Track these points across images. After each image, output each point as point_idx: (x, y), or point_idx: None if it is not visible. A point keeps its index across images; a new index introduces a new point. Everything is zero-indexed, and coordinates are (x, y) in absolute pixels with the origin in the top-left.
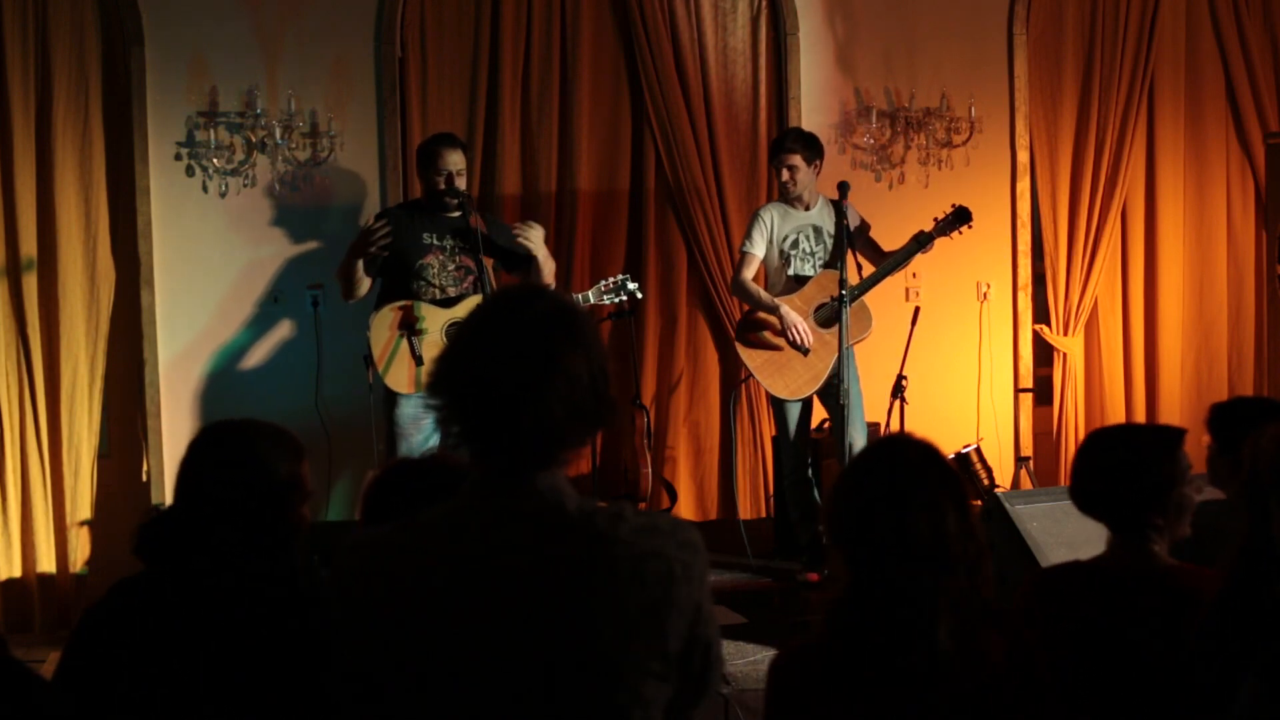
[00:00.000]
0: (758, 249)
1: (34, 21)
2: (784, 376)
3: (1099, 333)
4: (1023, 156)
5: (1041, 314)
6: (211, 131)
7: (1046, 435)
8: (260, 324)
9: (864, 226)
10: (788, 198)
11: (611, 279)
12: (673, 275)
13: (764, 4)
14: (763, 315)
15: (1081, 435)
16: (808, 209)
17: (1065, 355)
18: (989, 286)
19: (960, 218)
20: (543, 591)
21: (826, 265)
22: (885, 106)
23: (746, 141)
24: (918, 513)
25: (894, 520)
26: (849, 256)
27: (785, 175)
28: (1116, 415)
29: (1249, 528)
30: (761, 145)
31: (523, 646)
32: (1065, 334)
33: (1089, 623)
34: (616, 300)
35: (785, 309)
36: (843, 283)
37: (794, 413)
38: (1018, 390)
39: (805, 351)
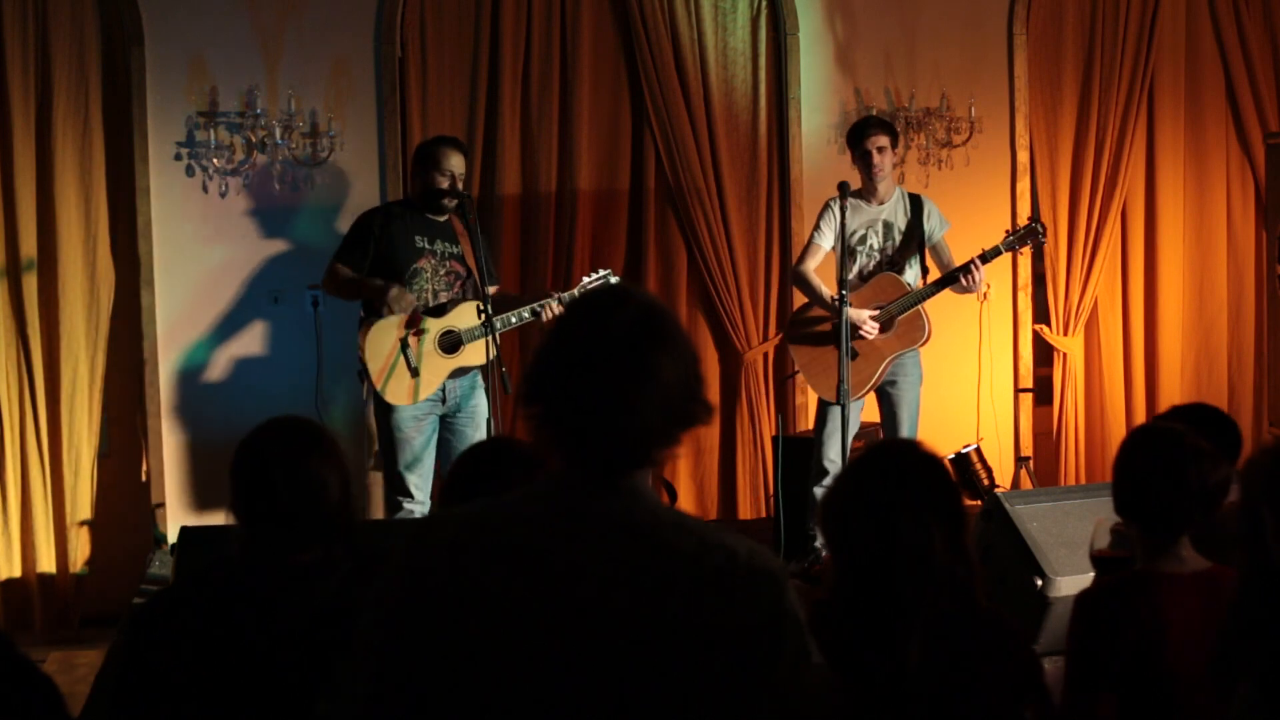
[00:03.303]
0: (825, 240)
1: (34, 21)
2: (831, 377)
3: (1099, 333)
4: (1023, 156)
5: (1041, 314)
6: (211, 131)
7: (1046, 435)
8: (260, 324)
9: (940, 228)
10: (861, 190)
11: (594, 274)
12: (673, 275)
13: (764, 4)
14: (818, 311)
15: (1082, 435)
16: (880, 203)
17: (1065, 355)
18: (989, 286)
19: (1031, 234)
20: (592, 590)
21: (891, 265)
22: (885, 106)
23: (746, 141)
24: (903, 524)
25: (879, 529)
26: (916, 259)
27: (876, 158)
28: (1116, 415)
29: (1246, 540)
30: (761, 145)
31: (566, 643)
32: (1065, 334)
33: (1141, 636)
34: None
35: (850, 309)
36: (842, 283)
37: (836, 413)
38: (1018, 390)
39: (854, 355)
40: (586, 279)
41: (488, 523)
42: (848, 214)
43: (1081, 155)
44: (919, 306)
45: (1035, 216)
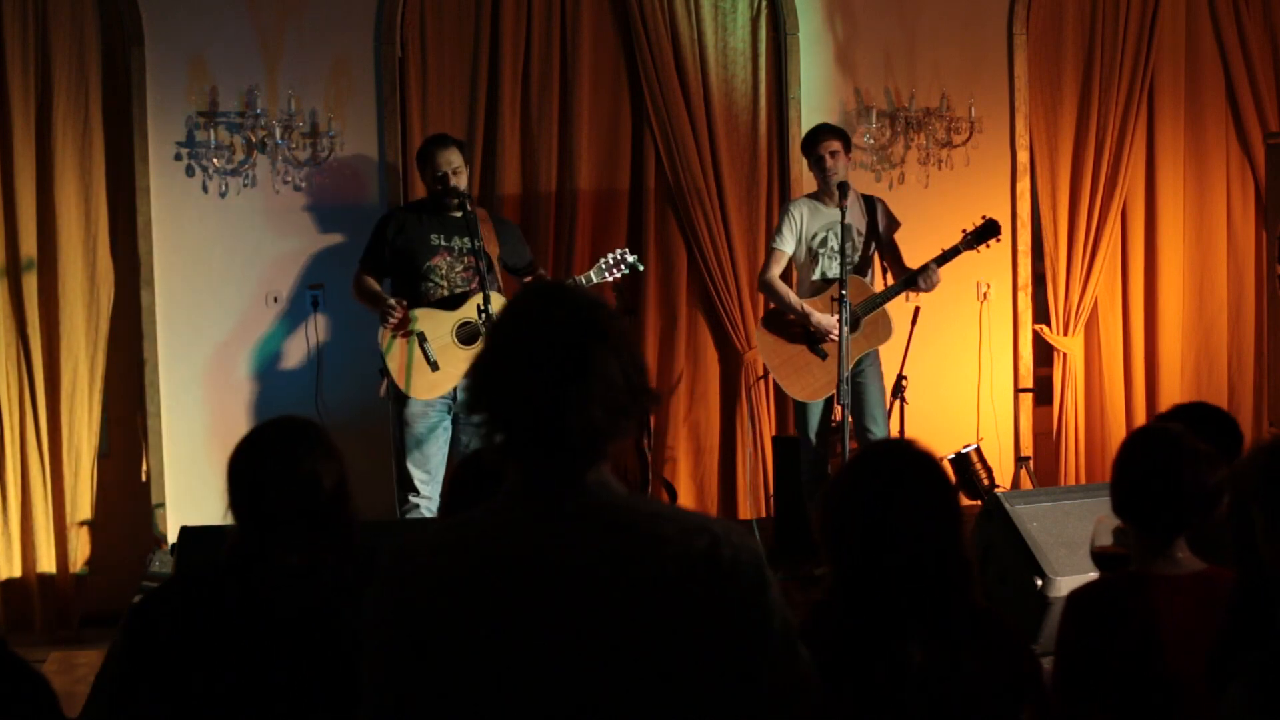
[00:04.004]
0: (787, 245)
1: (34, 21)
2: (802, 378)
3: (1099, 333)
4: (1023, 156)
5: (1041, 314)
6: (211, 131)
7: (1046, 435)
8: (260, 324)
9: (892, 228)
10: (819, 193)
11: (611, 254)
12: (673, 275)
13: (764, 4)
14: (790, 317)
15: (1082, 435)
16: (838, 205)
17: (1065, 355)
18: (989, 286)
19: (989, 231)
20: (586, 588)
21: (855, 268)
22: (885, 106)
23: (746, 141)
24: (900, 524)
25: (875, 531)
26: (875, 260)
27: (829, 161)
28: (1116, 415)
29: (1237, 538)
30: (761, 145)
31: (566, 644)
32: (1065, 334)
33: (1134, 636)
34: (619, 275)
35: (816, 316)
36: (842, 282)
37: (815, 412)
38: (1018, 390)
39: (823, 356)
40: (604, 260)
41: (465, 536)
42: (807, 219)
43: (1081, 155)
44: (884, 307)
45: (1036, 219)
